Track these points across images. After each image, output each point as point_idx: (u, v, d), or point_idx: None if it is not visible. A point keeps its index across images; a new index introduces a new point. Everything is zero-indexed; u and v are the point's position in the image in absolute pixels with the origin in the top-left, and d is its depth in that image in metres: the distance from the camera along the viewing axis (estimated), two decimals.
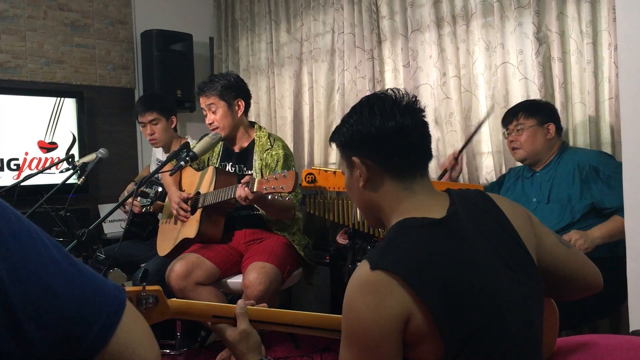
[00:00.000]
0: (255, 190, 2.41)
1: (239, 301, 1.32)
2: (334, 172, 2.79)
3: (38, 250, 0.72)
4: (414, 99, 1.22)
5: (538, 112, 2.46)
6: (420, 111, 1.22)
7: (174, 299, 1.35)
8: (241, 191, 2.48)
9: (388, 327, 1.01)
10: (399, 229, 1.13)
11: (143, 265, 3.04)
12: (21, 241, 0.70)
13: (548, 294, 1.26)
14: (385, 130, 1.17)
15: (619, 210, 2.20)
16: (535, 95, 2.72)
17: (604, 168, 2.29)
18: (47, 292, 0.70)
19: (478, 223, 1.14)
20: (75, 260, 0.76)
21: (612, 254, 2.23)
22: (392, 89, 1.23)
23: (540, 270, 1.19)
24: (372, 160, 1.19)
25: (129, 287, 1.28)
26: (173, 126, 3.29)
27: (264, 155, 2.80)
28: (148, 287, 1.28)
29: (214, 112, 2.77)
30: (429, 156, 1.24)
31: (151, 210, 3.15)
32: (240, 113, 2.82)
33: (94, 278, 0.76)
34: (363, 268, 1.05)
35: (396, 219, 1.16)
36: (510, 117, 2.52)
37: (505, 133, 2.57)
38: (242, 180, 2.50)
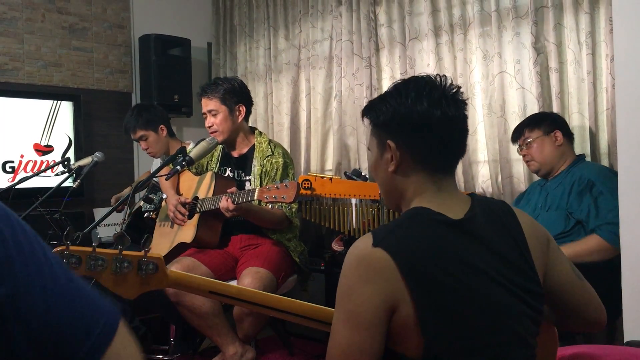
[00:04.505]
0: (256, 197, 2.41)
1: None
2: (330, 179, 2.79)
3: (39, 262, 0.71)
4: (457, 89, 1.17)
5: (542, 123, 2.51)
6: (464, 104, 1.18)
7: (174, 270, 1.38)
8: (223, 202, 2.50)
9: (375, 299, 1.02)
10: (413, 215, 1.12)
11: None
12: (23, 251, 0.70)
13: (550, 321, 1.26)
14: (430, 119, 1.12)
15: (600, 227, 2.23)
16: (533, 104, 2.73)
17: (600, 185, 2.30)
18: (43, 303, 0.69)
19: (492, 232, 1.13)
20: (73, 276, 0.75)
21: (602, 264, 2.24)
22: (438, 75, 1.17)
23: (546, 294, 1.18)
24: (408, 147, 1.15)
25: (131, 252, 1.29)
26: (164, 134, 3.30)
27: (264, 161, 2.80)
28: (149, 254, 1.31)
29: (214, 116, 2.77)
30: (463, 152, 1.20)
31: (153, 216, 3.13)
32: (240, 118, 2.82)
33: (90, 296, 0.75)
34: (365, 241, 1.06)
35: (415, 205, 1.15)
36: (517, 134, 2.58)
37: (518, 150, 2.62)
38: (228, 190, 2.52)
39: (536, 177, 2.66)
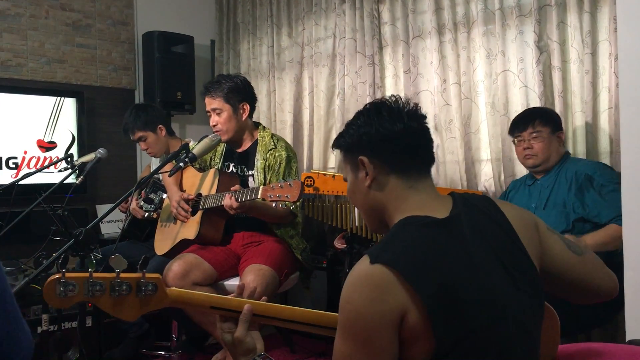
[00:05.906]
0: (259, 196, 2.41)
1: (247, 306, 1.31)
2: (333, 176, 2.79)
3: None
4: (415, 106, 1.26)
5: (551, 121, 2.46)
6: (423, 117, 1.26)
7: (173, 287, 1.35)
8: (227, 200, 2.50)
9: (384, 321, 1.02)
10: (401, 226, 1.14)
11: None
12: None
13: (559, 295, 1.27)
14: (394, 131, 1.21)
15: (615, 219, 2.20)
16: (536, 103, 2.73)
17: (598, 177, 2.30)
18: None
19: (480, 227, 1.15)
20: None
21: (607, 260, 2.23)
22: (394, 96, 1.26)
23: (547, 276, 1.20)
24: (379, 159, 1.22)
25: (129, 274, 1.28)
26: (163, 134, 3.30)
27: (267, 155, 2.79)
28: (148, 275, 1.29)
29: (218, 114, 2.77)
30: (432, 160, 1.27)
31: (154, 216, 3.13)
32: (245, 116, 2.81)
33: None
34: (363, 262, 1.07)
35: (399, 217, 1.17)
36: (525, 124, 2.47)
37: (516, 140, 2.52)
38: (231, 188, 2.53)
39: None
